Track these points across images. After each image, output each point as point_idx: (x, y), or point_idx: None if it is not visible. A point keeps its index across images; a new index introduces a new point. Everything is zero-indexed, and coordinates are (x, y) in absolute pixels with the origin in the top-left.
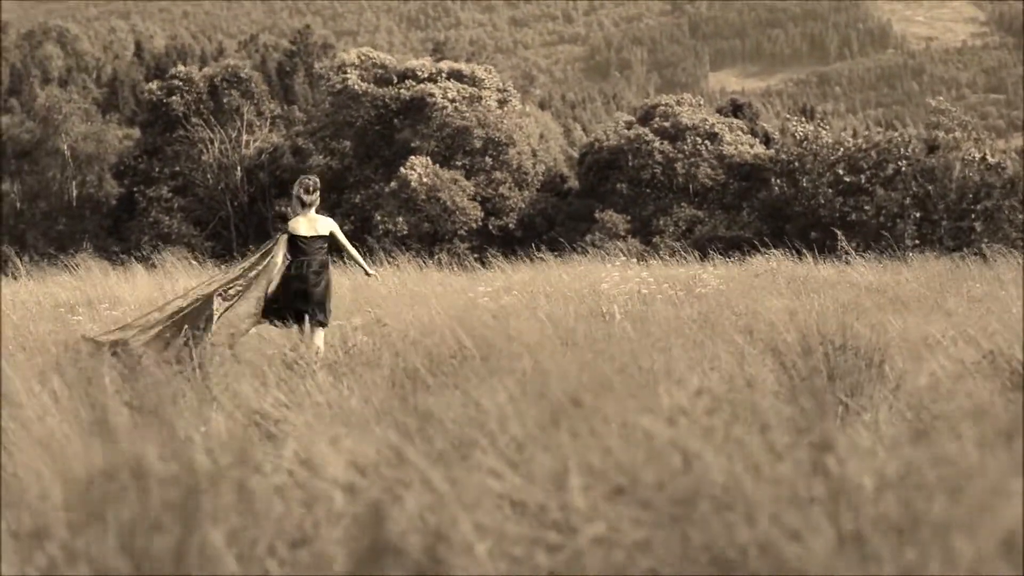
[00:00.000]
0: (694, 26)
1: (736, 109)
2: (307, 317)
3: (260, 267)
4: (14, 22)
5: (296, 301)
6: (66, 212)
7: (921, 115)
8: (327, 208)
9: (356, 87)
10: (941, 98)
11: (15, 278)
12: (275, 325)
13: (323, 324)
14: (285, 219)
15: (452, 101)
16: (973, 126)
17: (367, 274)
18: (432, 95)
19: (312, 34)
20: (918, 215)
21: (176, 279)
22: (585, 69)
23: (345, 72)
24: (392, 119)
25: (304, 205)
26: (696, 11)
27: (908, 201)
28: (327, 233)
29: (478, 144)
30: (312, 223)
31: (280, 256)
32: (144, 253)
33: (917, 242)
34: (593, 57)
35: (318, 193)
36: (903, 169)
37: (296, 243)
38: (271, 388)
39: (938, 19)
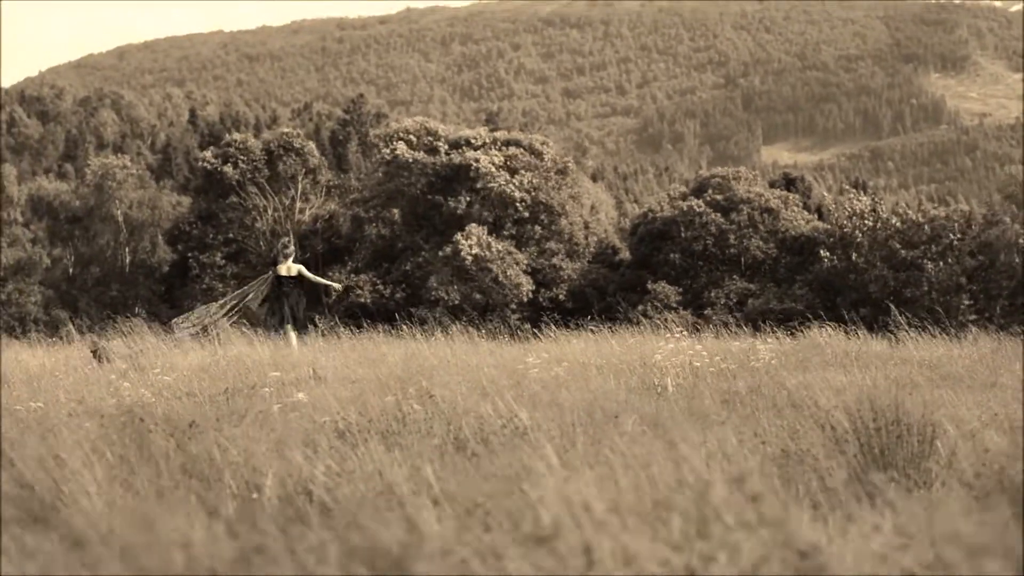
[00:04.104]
0: (747, 100)
1: (789, 183)
2: (290, 326)
3: (250, 290)
4: (70, 88)
5: (281, 313)
6: (119, 278)
7: (974, 191)
8: (379, 275)
9: (406, 156)
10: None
11: (69, 342)
12: (273, 332)
13: (298, 330)
14: (276, 263)
15: (499, 168)
16: None
17: (335, 288)
18: (478, 161)
19: (365, 103)
20: (975, 288)
21: (228, 347)
22: (637, 141)
23: (396, 141)
24: (441, 187)
25: (286, 256)
26: (749, 85)
27: (963, 277)
28: (296, 273)
29: (526, 213)
30: (289, 268)
31: (266, 286)
32: None
33: (973, 317)
34: (646, 129)
35: (292, 248)
36: (955, 243)
37: (280, 280)
38: (322, 456)
39: (991, 95)
